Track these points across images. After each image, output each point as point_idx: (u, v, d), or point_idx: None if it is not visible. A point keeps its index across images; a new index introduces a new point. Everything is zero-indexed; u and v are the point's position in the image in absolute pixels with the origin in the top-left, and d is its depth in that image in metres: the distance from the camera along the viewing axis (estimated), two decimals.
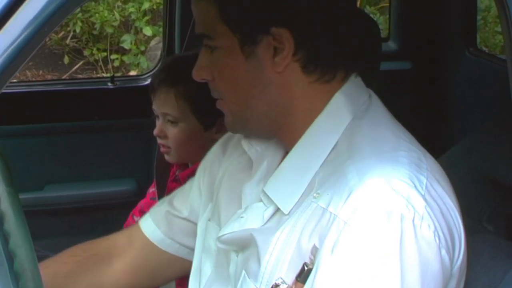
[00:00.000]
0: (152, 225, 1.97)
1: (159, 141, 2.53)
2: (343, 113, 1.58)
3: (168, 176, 2.64)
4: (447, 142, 2.53)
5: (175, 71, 2.48)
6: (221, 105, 1.65)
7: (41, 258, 2.55)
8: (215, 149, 1.94)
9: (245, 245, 1.60)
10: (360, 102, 1.61)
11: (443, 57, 3.72)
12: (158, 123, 2.52)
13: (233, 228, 1.64)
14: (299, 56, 1.56)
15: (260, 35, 1.55)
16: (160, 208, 1.99)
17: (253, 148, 1.71)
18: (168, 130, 2.49)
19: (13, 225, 1.31)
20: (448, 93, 3.73)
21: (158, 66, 2.93)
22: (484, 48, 6.25)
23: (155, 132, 2.52)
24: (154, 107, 2.53)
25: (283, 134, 1.63)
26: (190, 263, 1.89)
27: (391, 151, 1.52)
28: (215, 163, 1.90)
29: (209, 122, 2.43)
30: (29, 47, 1.20)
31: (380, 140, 1.54)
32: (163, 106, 2.48)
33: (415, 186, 1.44)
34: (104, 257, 1.94)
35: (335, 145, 1.55)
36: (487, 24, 6.70)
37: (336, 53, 1.59)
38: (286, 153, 1.65)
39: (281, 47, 1.54)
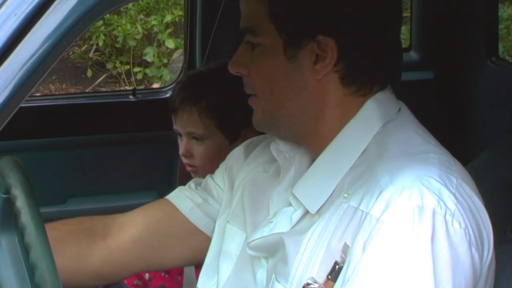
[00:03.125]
0: (181, 195, 1.95)
1: (185, 161, 2.51)
2: (374, 119, 1.59)
3: None
4: (469, 152, 2.51)
5: (195, 89, 2.47)
6: (253, 102, 1.66)
7: None
8: (236, 153, 1.95)
9: (275, 249, 1.61)
10: (391, 110, 1.62)
11: (465, 66, 3.71)
12: (183, 142, 2.50)
13: (263, 233, 1.65)
14: (339, 67, 1.57)
15: (306, 40, 1.56)
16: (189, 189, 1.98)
17: (282, 155, 1.72)
18: (194, 149, 2.47)
19: (34, 238, 1.32)
20: (470, 102, 3.71)
21: (176, 83, 2.92)
22: (507, 58, 6.22)
23: (181, 152, 2.50)
24: (176, 127, 2.51)
25: (310, 139, 1.64)
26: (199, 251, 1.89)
27: (421, 153, 1.54)
28: (234, 167, 1.91)
29: (234, 134, 2.42)
30: (48, 60, 1.21)
31: (410, 143, 1.56)
32: (188, 125, 2.47)
33: (446, 184, 1.45)
34: (99, 232, 1.90)
35: (365, 149, 1.57)
36: (510, 33, 6.67)
37: (377, 68, 1.59)
38: (313, 160, 1.65)
39: (324, 55, 1.56)
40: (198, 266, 2.08)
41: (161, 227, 1.93)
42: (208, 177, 1.98)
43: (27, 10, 1.20)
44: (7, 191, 1.40)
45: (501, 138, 2.67)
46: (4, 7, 1.21)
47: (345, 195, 1.52)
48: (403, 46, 3.59)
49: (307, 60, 1.57)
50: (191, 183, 1.98)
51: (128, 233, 1.91)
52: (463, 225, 1.42)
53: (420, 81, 3.74)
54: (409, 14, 3.91)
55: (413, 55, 3.83)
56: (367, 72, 1.59)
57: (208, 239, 1.90)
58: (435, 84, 3.79)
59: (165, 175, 3.41)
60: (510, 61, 5.94)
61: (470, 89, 3.71)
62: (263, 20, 1.59)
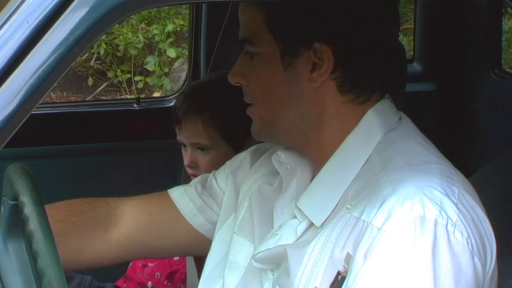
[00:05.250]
0: (186, 198, 1.96)
1: (189, 171, 2.51)
2: (375, 129, 1.59)
3: None
4: (472, 164, 2.51)
5: (198, 99, 2.48)
6: (252, 111, 1.68)
7: (69, 279, 2.57)
8: (242, 159, 1.95)
9: (279, 262, 1.61)
10: (392, 120, 1.63)
11: (468, 78, 3.71)
12: (187, 153, 2.50)
13: (268, 245, 1.66)
14: (336, 75, 1.57)
15: (302, 48, 1.57)
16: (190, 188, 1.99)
17: (283, 166, 1.73)
18: (199, 159, 2.48)
19: (42, 245, 1.33)
20: (473, 114, 3.71)
21: (179, 94, 2.93)
22: (509, 70, 6.22)
23: (186, 163, 2.50)
24: (181, 138, 2.51)
25: (310, 148, 1.65)
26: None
27: (423, 163, 1.54)
28: (239, 173, 1.92)
29: (238, 144, 2.43)
30: (59, 68, 1.21)
31: (412, 153, 1.57)
32: (192, 136, 2.47)
33: (447, 195, 1.46)
34: (100, 222, 1.91)
35: (367, 160, 1.57)
36: (511, 45, 6.67)
37: (374, 77, 1.60)
38: (315, 170, 1.66)
39: (320, 63, 1.57)
40: (200, 269, 2.09)
41: (162, 229, 1.95)
42: (212, 178, 1.98)
43: (39, 18, 1.20)
44: (15, 197, 1.40)
45: (504, 149, 2.68)
46: (16, 15, 1.21)
47: (348, 206, 1.53)
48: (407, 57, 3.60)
49: (304, 68, 1.58)
50: (198, 185, 1.98)
51: (129, 228, 1.92)
52: (465, 235, 1.42)
53: (423, 92, 3.75)
54: (412, 26, 3.92)
55: (416, 66, 3.84)
56: (364, 79, 1.60)
57: (207, 241, 1.91)
58: (438, 95, 3.79)
59: (169, 183, 3.37)
60: None
61: (473, 100, 3.71)
62: (260, 30, 1.61)
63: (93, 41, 1.24)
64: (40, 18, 1.21)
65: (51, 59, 1.21)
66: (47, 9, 1.20)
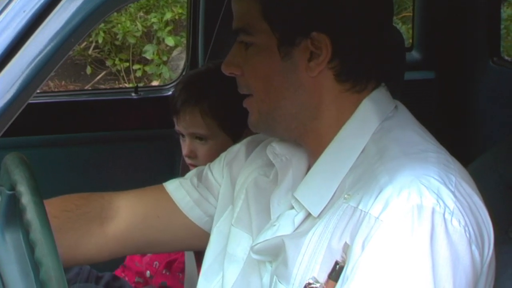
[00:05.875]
0: (182, 191, 1.95)
1: (188, 161, 2.50)
2: (370, 118, 1.59)
3: None
4: (471, 152, 2.51)
5: (196, 89, 2.47)
6: (249, 103, 1.67)
7: (67, 269, 2.57)
8: (237, 150, 1.95)
9: (277, 253, 1.61)
10: (387, 108, 1.63)
11: (467, 66, 3.71)
12: (185, 143, 2.50)
13: (266, 236, 1.65)
14: (334, 64, 1.57)
15: (299, 38, 1.57)
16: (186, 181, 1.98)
17: (278, 158, 1.72)
18: (198, 149, 2.47)
19: (39, 235, 1.33)
20: (471, 102, 3.71)
21: (177, 84, 2.92)
22: (507, 58, 6.22)
23: (185, 153, 2.50)
24: (179, 128, 2.51)
25: (308, 138, 1.64)
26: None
27: (420, 152, 1.54)
28: (234, 165, 1.91)
29: (237, 133, 2.42)
30: (56, 57, 1.21)
31: (408, 142, 1.57)
32: (190, 126, 2.47)
33: (445, 183, 1.46)
34: (96, 217, 1.90)
35: (364, 149, 1.57)
36: (510, 33, 6.67)
37: (370, 65, 1.60)
38: (310, 160, 1.65)
39: (318, 52, 1.56)
40: (199, 262, 2.09)
41: (159, 223, 1.94)
42: (207, 171, 1.97)
43: (36, 7, 1.20)
44: (13, 187, 1.40)
45: (502, 137, 2.67)
46: (13, 4, 1.21)
47: (346, 195, 1.52)
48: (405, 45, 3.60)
49: (301, 57, 1.58)
50: (194, 178, 1.97)
51: (125, 222, 1.92)
52: (462, 223, 1.42)
53: (421, 80, 3.75)
54: (411, 14, 3.92)
55: (415, 54, 3.83)
56: (361, 68, 1.60)
57: (205, 234, 1.91)
58: (437, 83, 3.79)
59: (167, 172, 3.39)
60: (511, 61, 5.94)
61: (471, 89, 3.71)
62: (256, 19, 1.59)
63: (89, 30, 1.24)
64: (36, 7, 1.20)
65: (48, 48, 1.21)
66: None
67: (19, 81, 1.21)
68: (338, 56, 1.57)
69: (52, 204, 1.85)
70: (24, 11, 1.20)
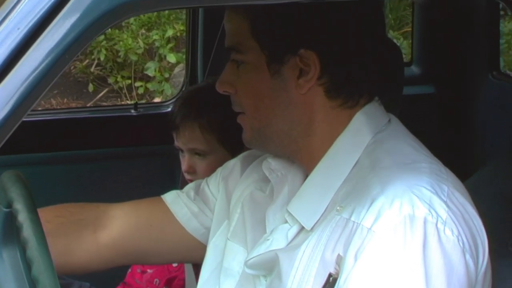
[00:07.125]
0: (180, 203, 1.95)
1: (187, 177, 2.50)
2: (363, 131, 1.60)
3: None
4: (470, 167, 2.51)
5: (195, 105, 2.47)
6: (242, 120, 1.68)
7: (67, 285, 2.56)
8: (233, 165, 1.95)
9: (272, 267, 1.61)
10: (380, 122, 1.63)
11: (466, 81, 3.71)
12: (185, 159, 2.50)
13: (259, 251, 1.66)
14: (323, 81, 1.57)
15: (288, 55, 1.57)
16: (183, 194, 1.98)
17: (273, 173, 1.73)
18: (197, 164, 2.47)
19: (36, 252, 1.33)
20: (471, 117, 3.71)
21: (176, 100, 2.92)
22: (507, 72, 6.22)
23: (184, 168, 2.50)
24: (178, 144, 2.51)
25: (301, 155, 1.65)
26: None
27: (412, 162, 1.54)
28: (230, 180, 1.91)
29: (236, 148, 2.42)
30: (51, 74, 1.21)
31: (401, 153, 1.57)
32: (190, 141, 2.47)
33: (437, 193, 1.46)
34: (89, 224, 1.91)
35: (357, 162, 1.58)
36: (511, 47, 6.68)
37: (361, 81, 1.60)
38: (305, 176, 1.66)
39: (307, 69, 1.56)
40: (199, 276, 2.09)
41: (152, 232, 1.94)
42: (204, 185, 1.98)
43: (30, 24, 1.20)
44: (9, 205, 1.40)
45: (502, 152, 2.68)
46: (7, 21, 1.21)
47: (338, 207, 1.52)
48: (405, 60, 3.60)
49: (291, 75, 1.58)
50: (191, 191, 1.98)
51: (118, 230, 1.92)
52: (455, 232, 1.42)
53: (421, 95, 3.75)
54: (410, 29, 3.92)
55: (414, 69, 3.83)
56: (351, 84, 1.60)
57: (202, 246, 1.91)
58: (436, 98, 3.79)
59: (167, 188, 3.39)
60: (511, 75, 5.94)
61: (471, 103, 3.71)
62: (245, 37, 1.60)
63: (84, 46, 1.24)
64: (31, 24, 1.20)
65: (43, 65, 1.21)
66: (38, 15, 1.20)
67: (14, 98, 1.20)
68: (327, 73, 1.57)
69: (46, 211, 1.87)
70: (18, 29, 1.20)
